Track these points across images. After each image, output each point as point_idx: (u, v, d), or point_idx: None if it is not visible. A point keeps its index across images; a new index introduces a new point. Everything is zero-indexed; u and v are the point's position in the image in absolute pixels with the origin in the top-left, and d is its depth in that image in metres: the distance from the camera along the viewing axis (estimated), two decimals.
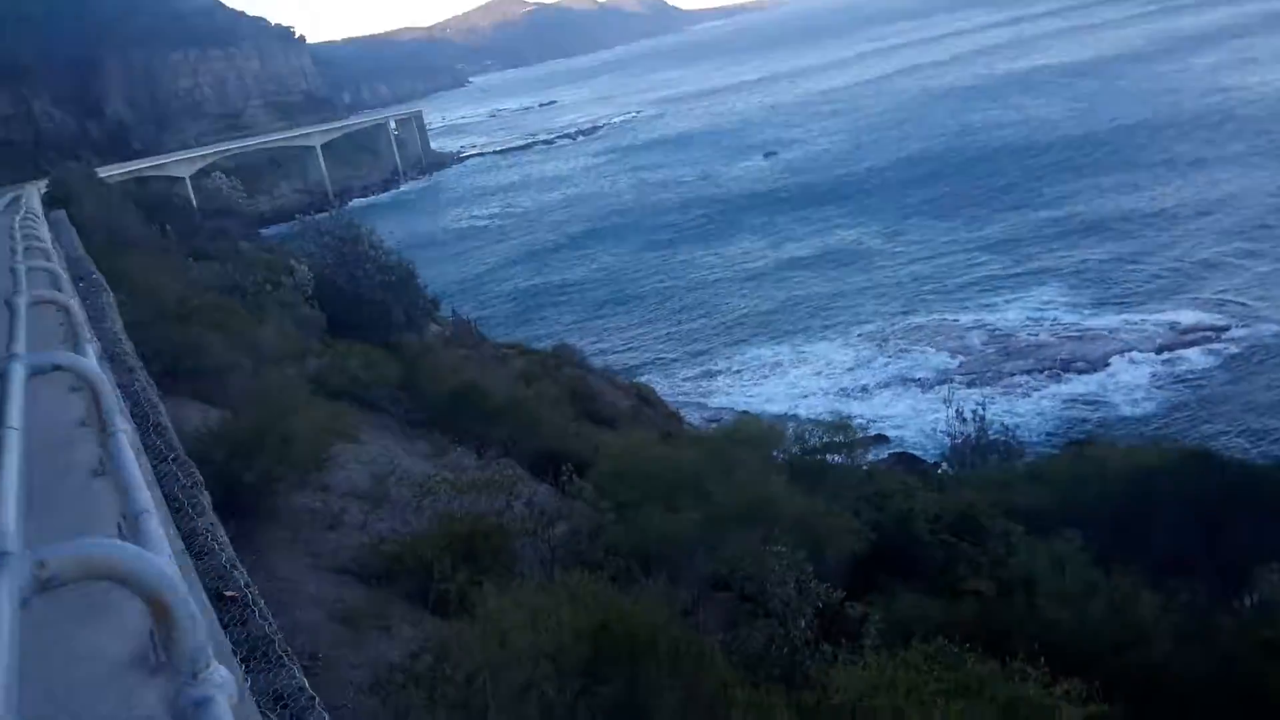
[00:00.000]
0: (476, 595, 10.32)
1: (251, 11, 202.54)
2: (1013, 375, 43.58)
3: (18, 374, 2.80)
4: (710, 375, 51.26)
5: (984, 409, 30.23)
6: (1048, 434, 36.42)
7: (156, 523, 2.17)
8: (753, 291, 65.16)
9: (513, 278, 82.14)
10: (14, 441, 2.17)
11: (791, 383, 47.82)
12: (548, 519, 14.18)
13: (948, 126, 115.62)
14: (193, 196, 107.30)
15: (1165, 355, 44.12)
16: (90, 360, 3.05)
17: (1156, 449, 20.65)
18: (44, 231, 10.50)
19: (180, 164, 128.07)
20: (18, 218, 13.45)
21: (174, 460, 9.28)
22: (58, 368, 3.00)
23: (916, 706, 7.60)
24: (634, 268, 77.32)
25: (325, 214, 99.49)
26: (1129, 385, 41.32)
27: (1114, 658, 11.23)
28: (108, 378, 11.54)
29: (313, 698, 5.58)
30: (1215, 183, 70.86)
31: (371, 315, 41.11)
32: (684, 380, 50.80)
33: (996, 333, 49.81)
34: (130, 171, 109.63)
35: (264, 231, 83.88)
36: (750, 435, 19.41)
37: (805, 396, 45.15)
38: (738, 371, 50.84)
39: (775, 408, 42.52)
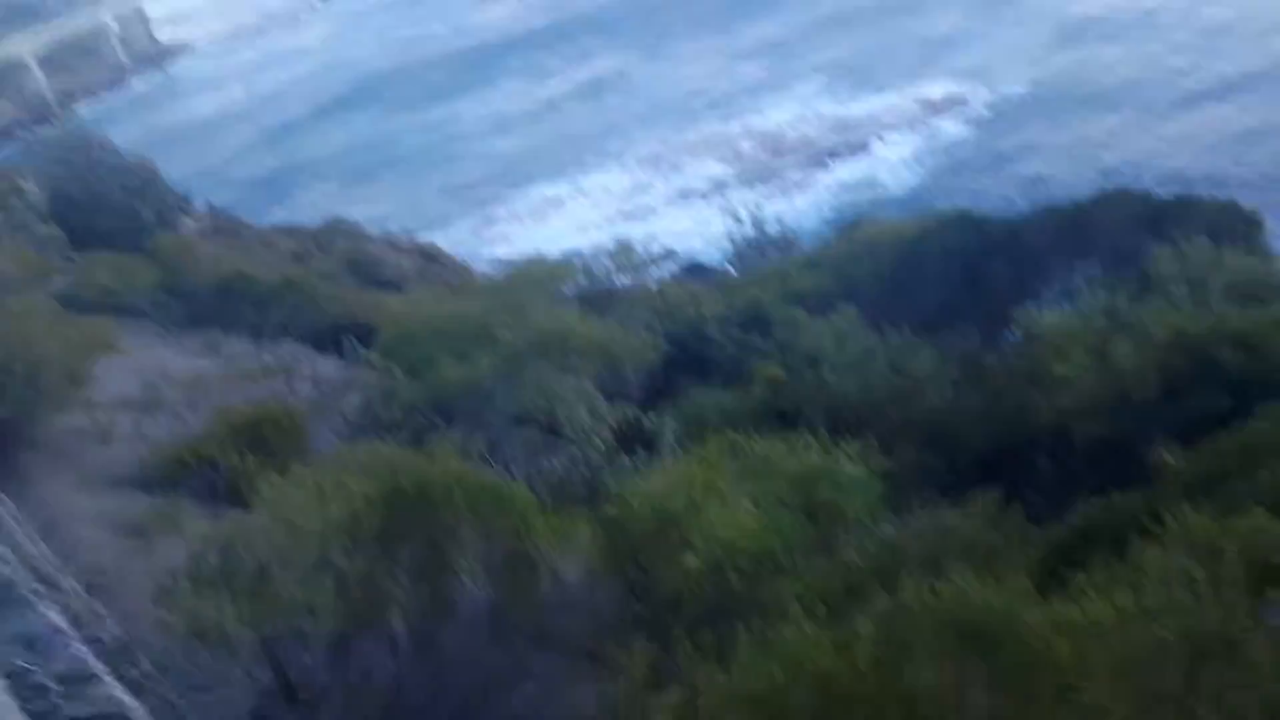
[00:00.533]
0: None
1: None
2: (785, 172, 44.71)
3: None
4: (491, 222, 50.49)
5: (760, 209, 30.93)
6: (824, 222, 37.73)
7: None
8: (523, 132, 63.77)
9: (269, 159, 77.57)
10: None
11: (573, 216, 47.64)
12: (335, 392, 13.69)
13: None
14: None
15: (922, 130, 45.95)
16: None
17: (919, 219, 21.60)
18: None
19: None
20: None
21: None
22: None
23: (711, 496, 7.77)
24: (396, 129, 74.23)
25: (47, 127, 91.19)
26: (892, 163, 43.11)
27: (897, 412, 11.88)
28: None
29: (62, 633, 5.19)
30: None
31: (118, 222, 38.26)
32: (468, 232, 49.83)
33: (765, 135, 50.60)
34: None
35: None
36: (537, 275, 19.19)
37: (589, 228, 45.05)
38: (519, 216, 50.23)
39: (563, 244, 42.31)
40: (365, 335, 19.98)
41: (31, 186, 40.36)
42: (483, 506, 8.16)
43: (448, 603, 7.33)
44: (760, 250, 27.92)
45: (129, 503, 11.13)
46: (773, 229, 28.55)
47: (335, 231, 39.49)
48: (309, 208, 57.91)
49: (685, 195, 46.53)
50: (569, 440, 10.81)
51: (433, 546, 7.85)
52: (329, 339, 22.15)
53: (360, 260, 33.97)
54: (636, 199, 47.93)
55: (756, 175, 45.73)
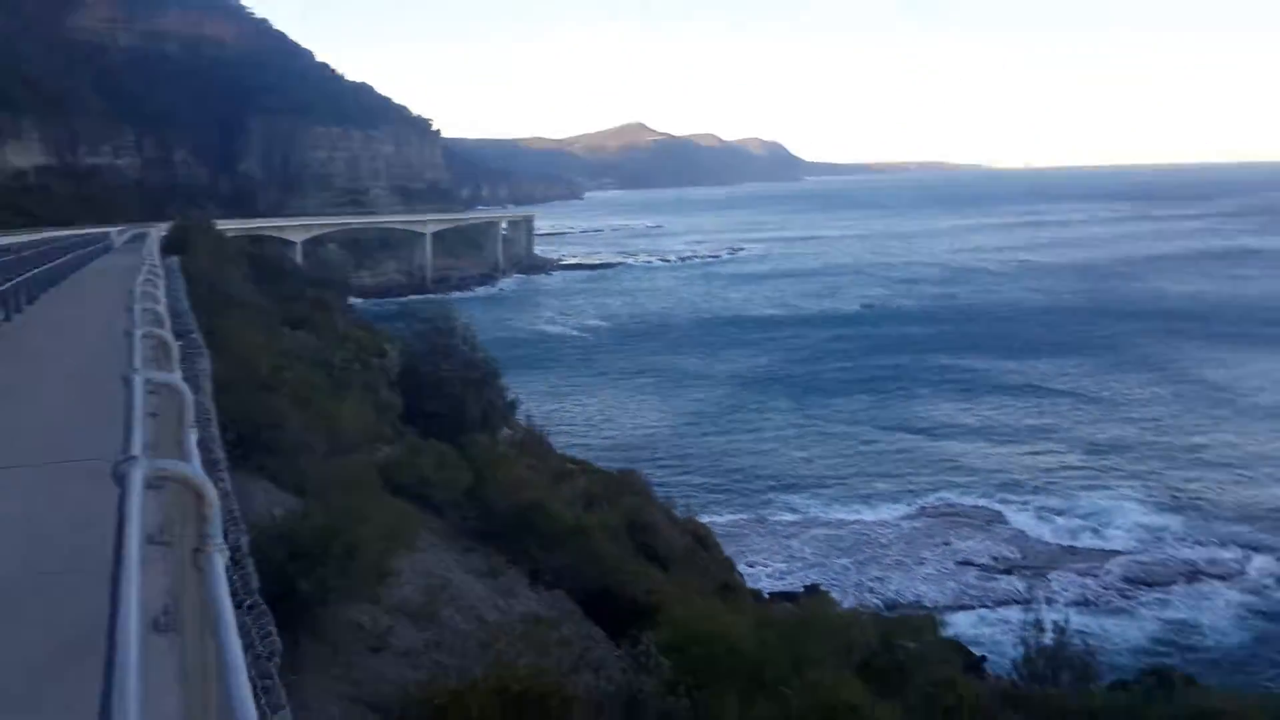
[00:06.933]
0: None
1: (397, 99, 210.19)
2: (1100, 588, 41.13)
3: (137, 481, 3.07)
4: (761, 522, 49.58)
5: (1068, 621, 28.23)
6: (1130, 650, 34.43)
7: (245, 680, 2.55)
8: (811, 440, 63.71)
9: (585, 388, 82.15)
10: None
11: (848, 549, 45.83)
12: (612, 687, 12.96)
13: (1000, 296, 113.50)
14: (301, 261, 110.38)
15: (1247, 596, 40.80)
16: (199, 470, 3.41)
17: (1263, 700, 18.90)
18: (161, 295, 10.27)
19: (297, 229, 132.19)
20: (139, 279, 13.23)
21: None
22: (164, 478, 3.33)
23: None
24: (716, 399, 76.71)
25: (424, 297, 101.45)
26: (1217, 613, 38.73)
27: None
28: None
29: None
30: None
31: (448, 409, 40.65)
32: (735, 522, 49.11)
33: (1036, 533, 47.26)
34: (248, 229, 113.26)
35: (358, 302, 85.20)
36: (824, 622, 18.09)
37: (859, 563, 43.33)
38: (795, 522, 49.14)
39: (824, 574, 41.00)
40: (635, 611, 19.48)
41: (393, 352, 44.17)
42: None
43: None
44: (1053, 665, 25.29)
45: None
46: (1074, 647, 25.80)
47: (625, 484, 40.01)
48: (607, 444, 60.05)
49: (965, 565, 43.62)
50: None
51: None
52: (599, 601, 21.87)
53: (639, 523, 33.98)
54: (908, 549, 45.45)
55: (1045, 571, 42.51)
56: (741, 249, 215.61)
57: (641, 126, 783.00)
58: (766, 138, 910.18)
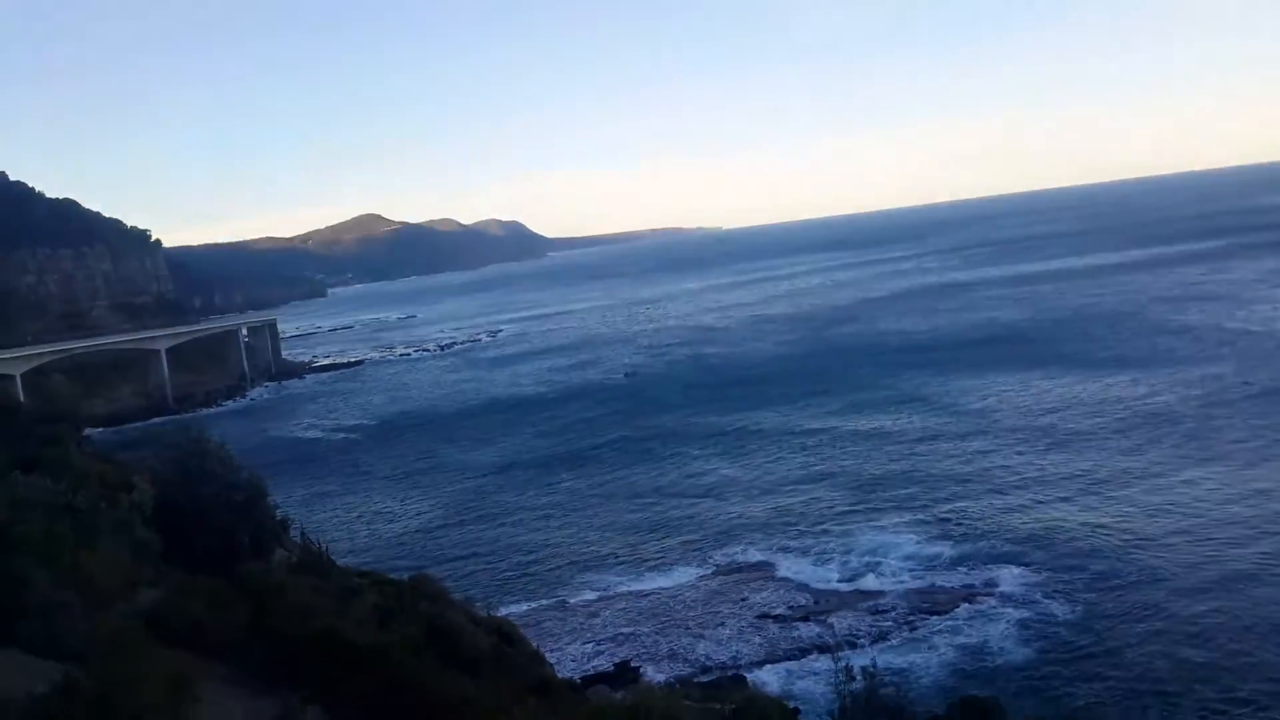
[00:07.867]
0: None
1: (109, 212, 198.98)
2: (893, 623, 42.63)
3: None
4: (562, 605, 48.84)
5: (874, 663, 28.94)
6: (935, 683, 35.80)
7: None
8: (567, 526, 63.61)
9: (358, 492, 78.90)
10: None
11: (651, 618, 45.68)
12: None
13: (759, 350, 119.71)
14: (23, 395, 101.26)
15: (1023, 611, 43.26)
16: None
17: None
18: None
19: (14, 361, 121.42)
20: None
21: None
22: None
23: None
24: (497, 485, 75.38)
25: (167, 419, 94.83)
26: (1000, 631, 40.94)
27: None
28: None
29: None
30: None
31: (214, 541, 37.67)
32: (536, 610, 48.17)
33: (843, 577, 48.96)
34: None
35: (94, 433, 78.60)
36: (650, 710, 17.64)
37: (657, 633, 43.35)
38: (595, 600, 48.67)
39: (632, 648, 40.73)
40: None
41: (144, 485, 40.58)
42: None
43: None
44: (870, 714, 25.75)
45: None
46: (886, 688, 26.40)
47: (419, 590, 38.29)
48: (393, 548, 57.58)
49: (763, 617, 44.36)
50: None
51: None
52: None
53: (441, 630, 32.52)
54: (709, 610, 45.87)
55: (853, 615, 43.84)
56: (500, 330, 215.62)
57: (377, 217, 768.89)
58: (505, 218, 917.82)
